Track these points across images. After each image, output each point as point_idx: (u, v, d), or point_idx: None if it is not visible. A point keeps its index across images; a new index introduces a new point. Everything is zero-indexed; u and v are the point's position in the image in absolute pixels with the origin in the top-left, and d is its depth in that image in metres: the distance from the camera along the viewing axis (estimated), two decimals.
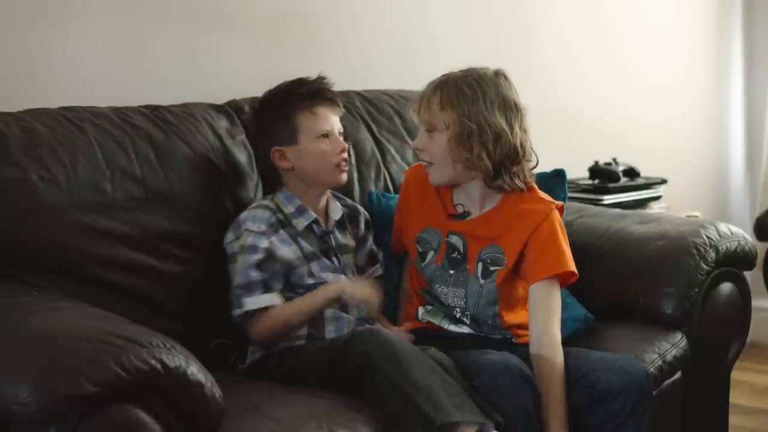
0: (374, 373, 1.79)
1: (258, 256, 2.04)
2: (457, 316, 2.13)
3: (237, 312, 2.03)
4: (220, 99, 2.37)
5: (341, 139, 2.16)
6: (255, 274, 2.03)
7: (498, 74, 2.10)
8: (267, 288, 2.04)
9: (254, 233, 2.06)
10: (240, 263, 2.04)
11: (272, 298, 2.04)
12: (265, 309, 2.03)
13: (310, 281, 2.09)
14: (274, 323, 2.03)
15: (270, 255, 2.05)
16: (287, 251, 2.08)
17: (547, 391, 1.92)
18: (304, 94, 2.13)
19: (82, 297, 1.85)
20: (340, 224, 2.21)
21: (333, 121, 2.16)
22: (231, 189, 2.22)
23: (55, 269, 1.92)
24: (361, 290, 2.06)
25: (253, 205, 2.14)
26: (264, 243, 2.06)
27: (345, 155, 2.15)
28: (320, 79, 2.17)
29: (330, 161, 2.13)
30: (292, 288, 2.08)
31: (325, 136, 2.13)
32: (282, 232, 2.09)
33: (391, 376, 1.77)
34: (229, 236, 2.09)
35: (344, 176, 2.17)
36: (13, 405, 1.37)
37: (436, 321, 2.16)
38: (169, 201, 2.10)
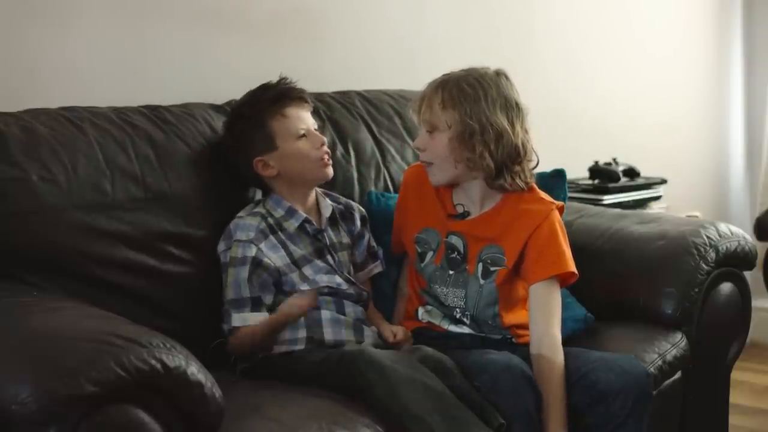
0: (367, 395, 1.80)
1: (248, 268, 2.04)
2: (457, 316, 2.13)
3: (226, 327, 2.04)
4: (220, 99, 2.37)
5: (318, 133, 2.16)
6: (246, 291, 2.03)
7: (499, 74, 2.10)
8: (256, 305, 2.04)
9: (243, 242, 2.06)
10: (231, 277, 2.05)
11: (259, 318, 2.03)
12: (245, 326, 2.03)
13: (304, 286, 2.08)
14: (247, 339, 2.03)
15: (258, 263, 2.05)
16: (275, 258, 2.08)
17: (547, 391, 1.91)
18: (270, 98, 2.13)
19: (82, 297, 1.85)
20: (333, 222, 2.21)
21: (305, 118, 2.16)
22: (230, 189, 2.21)
23: (55, 269, 1.92)
24: (290, 307, 2.03)
25: (243, 213, 2.14)
26: (252, 251, 2.06)
27: (326, 148, 2.15)
28: (283, 81, 2.17)
29: (313, 158, 2.13)
30: (287, 295, 2.08)
31: (303, 135, 2.13)
32: (272, 237, 2.09)
33: (383, 400, 1.77)
34: (221, 245, 2.10)
35: (330, 170, 2.17)
36: (13, 405, 1.37)
37: (437, 321, 2.16)
38: (169, 201, 2.10)
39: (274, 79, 2.18)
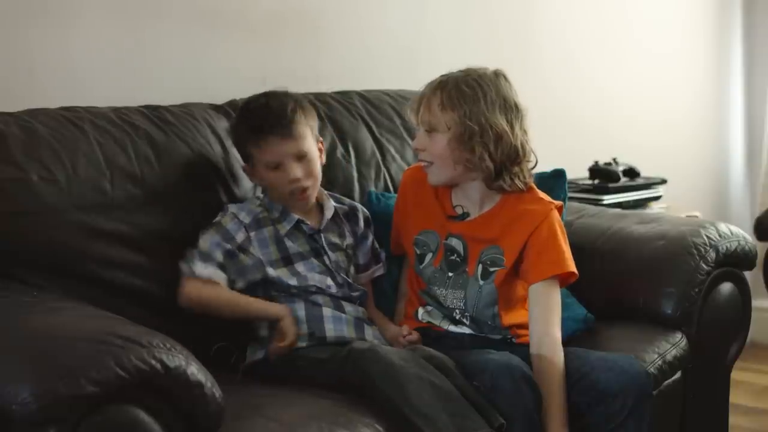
0: (375, 393, 1.79)
1: (228, 247, 2.04)
2: (457, 317, 2.13)
3: (185, 268, 2.01)
4: (220, 99, 2.37)
5: (295, 167, 2.06)
6: (218, 255, 2.02)
7: (497, 74, 2.10)
8: (223, 270, 2.03)
9: (237, 221, 2.07)
10: (210, 235, 2.04)
11: (220, 276, 2.01)
12: (208, 280, 2.01)
13: (293, 281, 2.08)
14: (204, 299, 2.00)
15: (242, 250, 2.05)
16: (260, 253, 2.07)
17: (547, 391, 1.91)
18: (249, 127, 2.09)
19: (82, 297, 1.85)
20: (336, 222, 2.20)
21: (283, 150, 2.06)
22: (230, 189, 2.21)
23: (55, 269, 1.92)
24: (286, 327, 2.00)
25: (245, 201, 2.16)
26: (240, 236, 2.06)
27: (298, 185, 2.08)
28: (268, 108, 2.08)
29: (282, 191, 2.10)
30: (271, 286, 2.07)
31: (276, 167, 2.08)
32: (265, 230, 2.09)
33: (391, 398, 1.76)
34: (217, 217, 2.10)
35: (304, 202, 2.12)
36: (13, 405, 1.37)
37: (437, 322, 2.16)
38: (169, 201, 2.10)
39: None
